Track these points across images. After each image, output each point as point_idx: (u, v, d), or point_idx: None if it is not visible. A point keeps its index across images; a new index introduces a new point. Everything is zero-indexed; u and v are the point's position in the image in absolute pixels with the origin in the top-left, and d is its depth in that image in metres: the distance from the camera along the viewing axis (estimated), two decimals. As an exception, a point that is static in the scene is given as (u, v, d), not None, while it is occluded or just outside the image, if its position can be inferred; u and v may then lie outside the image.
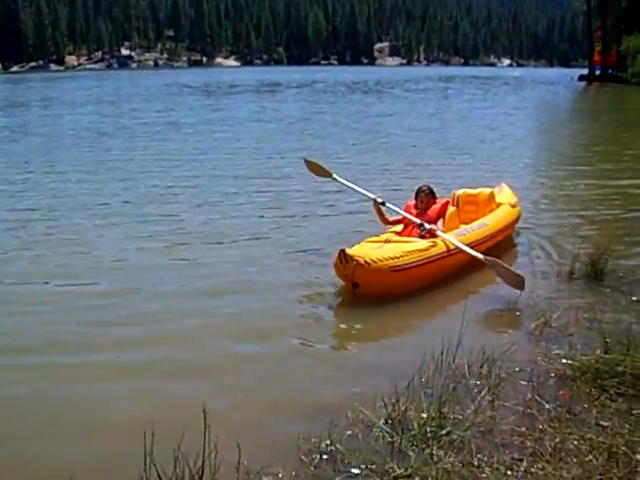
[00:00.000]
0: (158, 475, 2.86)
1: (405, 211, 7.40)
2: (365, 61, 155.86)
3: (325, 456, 3.68)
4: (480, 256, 6.80)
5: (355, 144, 18.04)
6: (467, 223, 7.69)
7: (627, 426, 3.72)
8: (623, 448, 3.47)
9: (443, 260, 6.77)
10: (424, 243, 6.80)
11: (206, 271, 7.12)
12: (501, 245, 7.88)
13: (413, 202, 7.50)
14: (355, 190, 7.89)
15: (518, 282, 6.37)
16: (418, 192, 7.48)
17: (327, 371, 4.90)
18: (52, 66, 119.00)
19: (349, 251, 6.28)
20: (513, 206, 8.46)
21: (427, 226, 7.03)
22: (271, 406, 4.34)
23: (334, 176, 8.20)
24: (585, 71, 66.46)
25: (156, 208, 10.13)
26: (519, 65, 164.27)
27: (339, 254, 6.26)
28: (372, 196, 7.58)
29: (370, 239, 6.95)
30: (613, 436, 3.62)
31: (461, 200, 8.15)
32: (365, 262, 6.20)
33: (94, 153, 16.41)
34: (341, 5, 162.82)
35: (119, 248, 7.95)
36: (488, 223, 7.70)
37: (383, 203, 7.46)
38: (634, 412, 3.89)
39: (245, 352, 5.26)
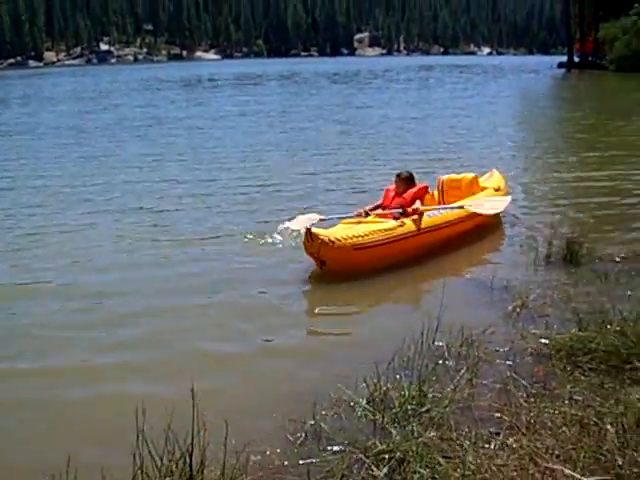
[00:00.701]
0: (149, 452, 2.97)
1: (384, 195, 7.78)
2: (345, 52, 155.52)
3: (310, 435, 3.83)
4: (470, 209, 7.63)
5: (341, 134, 18.07)
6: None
7: (598, 399, 3.88)
8: (594, 419, 3.63)
9: (410, 239, 7.16)
10: (391, 223, 7.16)
11: (194, 266, 7.27)
12: (482, 227, 8.14)
13: (393, 186, 7.77)
14: (343, 217, 7.69)
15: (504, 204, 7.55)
16: (396, 176, 7.82)
17: (309, 354, 5.10)
18: (31, 62, 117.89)
19: (314, 230, 6.68)
20: (497, 190, 8.68)
21: (399, 210, 7.43)
22: (256, 389, 4.50)
23: (322, 217, 7.71)
24: (564, 58, 66.81)
25: (137, 204, 10.17)
26: (499, 53, 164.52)
27: (306, 233, 6.66)
28: (356, 212, 7.60)
29: (346, 221, 7.33)
30: (585, 408, 3.78)
31: (445, 185, 8.49)
32: (329, 240, 6.63)
33: (74, 150, 16.32)
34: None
35: (97, 245, 8.04)
36: (464, 206, 7.92)
37: (367, 214, 7.55)
38: (605, 386, 4.06)
39: (229, 340, 5.41)
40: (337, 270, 6.67)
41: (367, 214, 7.52)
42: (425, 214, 7.50)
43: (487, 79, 49.06)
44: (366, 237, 6.84)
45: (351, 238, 6.77)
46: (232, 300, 6.25)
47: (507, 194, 8.80)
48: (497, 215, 8.40)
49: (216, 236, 8.37)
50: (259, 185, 11.35)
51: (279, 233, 7.67)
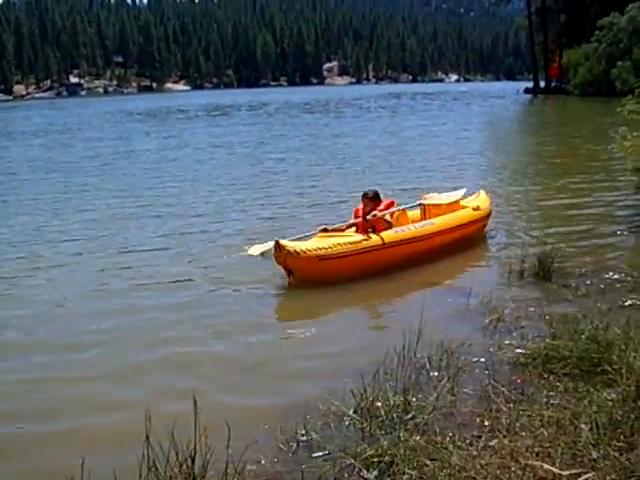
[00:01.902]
0: (155, 457, 3.12)
1: (354, 214, 8.23)
2: (314, 81, 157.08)
3: (301, 444, 4.01)
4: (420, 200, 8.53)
5: (317, 165, 17.94)
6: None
7: (572, 401, 4.11)
8: (569, 419, 3.84)
9: (375, 252, 7.59)
10: (357, 237, 7.63)
11: (179, 287, 7.47)
12: (459, 244, 8.51)
13: (361, 205, 8.19)
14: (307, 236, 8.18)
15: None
16: (363, 196, 8.22)
17: (297, 368, 5.29)
18: (0, 96, 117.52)
19: (282, 242, 7.22)
20: (475, 209, 9.02)
21: (368, 217, 7.93)
22: (247, 403, 4.67)
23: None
24: (530, 84, 68.15)
25: (110, 238, 9.89)
26: (466, 80, 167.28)
27: (275, 244, 7.19)
28: (320, 228, 8.06)
29: (320, 235, 7.82)
30: (560, 410, 4.00)
31: (427, 207, 8.89)
32: (295, 251, 7.15)
33: (45, 186, 15.45)
34: (289, 27, 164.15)
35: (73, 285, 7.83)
36: (435, 222, 8.39)
37: (325, 230, 7.99)
38: (579, 389, 4.29)
39: (218, 360, 5.56)
40: (304, 279, 7.22)
41: (326, 230, 7.95)
42: (393, 229, 7.93)
43: (457, 105, 49.83)
44: (331, 249, 7.34)
45: (316, 250, 7.27)
46: (216, 314, 6.53)
47: (489, 214, 9.30)
48: (467, 234, 8.79)
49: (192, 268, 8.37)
50: (233, 219, 11.30)
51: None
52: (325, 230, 7.96)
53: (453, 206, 8.95)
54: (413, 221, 8.46)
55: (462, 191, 9.47)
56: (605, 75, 48.13)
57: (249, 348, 5.75)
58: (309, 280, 7.20)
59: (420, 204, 8.85)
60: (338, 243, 7.46)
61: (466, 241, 8.71)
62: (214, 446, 3.32)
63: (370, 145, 22.54)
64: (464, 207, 9.03)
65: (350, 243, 7.51)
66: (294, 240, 7.74)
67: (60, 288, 7.54)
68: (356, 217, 8.17)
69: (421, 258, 7.95)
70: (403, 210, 8.45)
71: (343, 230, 8.05)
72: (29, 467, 4.06)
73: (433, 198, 9.02)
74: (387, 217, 8.07)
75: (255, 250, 8.40)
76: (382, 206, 8.14)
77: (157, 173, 17.10)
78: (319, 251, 7.29)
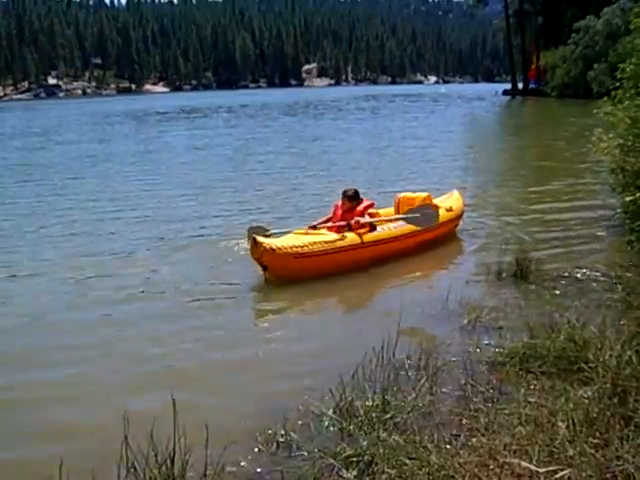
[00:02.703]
0: (134, 459, 3.12)
1: (333, 211, 8.40)
2: (294, 82, 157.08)
3: (281, 445, 4.03)
4: (399, 216, 8.46)
5: (297, 168, 17.75)
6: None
7: (550, 399, 4.14)
8: (547, 417, 3.88)
9: (351, 252, 7.77)
10: (333, 236, 7.79)
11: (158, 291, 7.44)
12: (433, 244, 8.69)
13: (340, 202, 8.33)
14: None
15: (433, 217, 8.19)
16: (343, 194, 8.35)
17: (275, 369, 5.31)
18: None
19: (258, 238, 7.38)
20: (448, 210, 9.14)
21: (352, 222, 8.05)
22: (225, 404, 4.68)
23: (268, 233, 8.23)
24: (509, 86, 68.61)
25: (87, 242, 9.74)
26: (445, 82, 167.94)
27: (252, 240, 7.35)
28: (307, 227, 8.23)
29: (296, 231, 8.01)
30: (538, 408, 4.04)
31: (401, 202, 9.08)
32: (271, 248, 7.31)
33: (23, 190, 15.07)
34: (268, 28, 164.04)
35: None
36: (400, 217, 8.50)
37: (315, 227, 8.19)
38: (556, 387, 4.33)
39: (194, 362, 5.53)
40: (278, 275, 7.40)
41: (315, 227, 8.11)
42: (381, 228, 8.07)
43: (437, 107, 50.03)
44: (307, 247, 7.50)
45: (292, 247, 7.43)
46: (195, 320, 6.49)
47: (461, 214, 9.45)
48: (441, 235, 8.95)
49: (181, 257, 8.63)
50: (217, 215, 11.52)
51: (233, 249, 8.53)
52: (314, 228, 8.09)
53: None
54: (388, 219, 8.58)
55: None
56: (582, 77, 48.55)
57: (227, 349, 5.75)
58: (283, 276, 7.37)
59: (399, 219, 8.64)
60: (314, 241, 7.62)
61: (439, 241, 8.84)
62: (193, 447, 3.32)
63: (351, 147, 22.51)
64: (438, 207, 9.02)
65: (326, 242, 7.67)
66: (271, 237, 7.87)
67: (39, 296, 7.41)
68: (335, 212, 8.34)
69: (396, 258, 8.11)
70: (376, 212, 8.54)
71: (328, 229, 8.15)
72: (6, 465, 4.04)
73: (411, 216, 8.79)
74: (368, 219, 8.17)
75: (236, 247, 8.57)
76: (362, 207, 8.23)
77: (137, 176, 16.87)
78: (294, 248, 7.45)
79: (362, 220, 8.05)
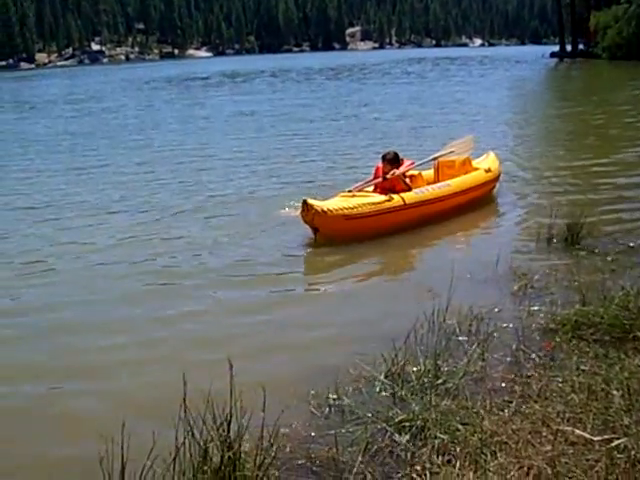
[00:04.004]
0: (192, 420, 3.18)
1: (374, 173, 8.48)
2: (337, 46, 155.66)
3: (333, 408, 4.06)
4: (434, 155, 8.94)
5: (349, 133, 17.51)
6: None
7: (604, 367, 4.11)
8: (601, 385, 3.86)
9: (397, 213, 7.90)
10: (380, 197, 7.90)
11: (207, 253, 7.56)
12: (476, 203, 8.85)
13: (381, 164, 8.40)
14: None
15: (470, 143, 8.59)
16: (382, 158, 8.41)
17: (326, 334, 5.33)
18: (22, 64, 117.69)
19: (310, 201, 7.51)
20: (487, 171, 9.26)
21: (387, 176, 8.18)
22: (279, 369, 4.71)
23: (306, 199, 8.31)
24: (556, 48, 67.03)
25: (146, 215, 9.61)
26: (490, 44, 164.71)
27: (302, 203, 7.48)
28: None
29: (342, 193, 8.16)
30: (591, 376, 4.01)
31: (440, 164, 9.23)
32: (322, 210, 7.45)
33: (74, 157, 15.27)
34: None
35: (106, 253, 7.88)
36: (451, 184, 8.65)
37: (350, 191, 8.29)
38: (610, 355, 4.29)
39: (249, 324, 5.62)
40: (329, 237, 7.53)
41: (356, 189, 8.24)
42: (413, 191, 8.19)
43: (483, 70, 48.83)
44: (356, 209, 7.63)
45: (342, 209, 7.56)
46: (250, 277, 6.69)
47: (499, 176, 9.58)
48: (480, 196, 9.12)
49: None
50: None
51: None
52: (349, 192, 8.20)
53: (466, 167, 9.19)
54: (427, 182, 8.76)
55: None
56: (636, 38, 47.24)
57: (280, 313, 5.82)
58: (334, 238, 7.49)
59: (434, 159, 9.15)
60: (363, 203, 7.75)
61: (478, 203, 8.96)
62: (248, 410, 3.36)
63: (398, 113, 22.00)
64: (476, 169, 9.25)
65: (373, 203, 7.80)
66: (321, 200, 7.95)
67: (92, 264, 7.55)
68: (376, 175, 8.43)
69: (439, 219, 8.26)
70: (419, 173, 8.72)
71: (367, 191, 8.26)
72: (66, 426, 4.18)
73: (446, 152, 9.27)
74: (406, 179, 8.28)
75: (288, 212, 8.64)
76: (403, 167, 8.32)
77: (182, 144, 16.87)
78: (345, 210, 7.58)
79: (396, 172, 8.16)
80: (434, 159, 9.09)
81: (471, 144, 9.43)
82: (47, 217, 9.52)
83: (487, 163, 9.57)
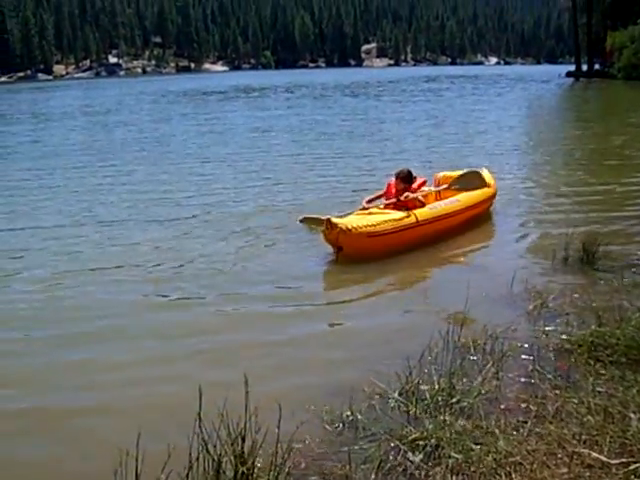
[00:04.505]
0: (207, 434, 3.18)
1: (386, 189, 8.52)
2: (353, 63, 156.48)
3: (347, 425, 4.04)
4: (443, 187, 8.84)
5: (362, 154, 16.84)
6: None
7: (621, 389, 4.07)
8: (618, 408, 3.82)
9: (414, 229, 7.93)
10: (399, 214, 7.91)
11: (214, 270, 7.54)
12: (480, 220, 8.99)
13: (394, 181, 8.43)
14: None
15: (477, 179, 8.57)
16: (396, 176, 8.41)
17: (341, 351, 5.30)
18: (40, 75, 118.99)
19: (333, 219, 7.47)
20: (488, 186, 9.33)
21: (402, 198, 8.20)
22: (293, 385, 4.69)
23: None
24: (572, 67, 67.05)
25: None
26: (506, 63, 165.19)
27: (326, 222, 7.46)
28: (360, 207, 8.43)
29: (357, 212, 8.17)
30: (608, 398, 3.98)
31: (440, 181, 9.37)
32: (347, 228, 7.39)
33: (95, 169, 15.17)
34: (327, 8, 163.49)
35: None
36: (460, 200, 8.72)
37: (365, 208, 8.33)
38: (627, 377, 4.25)
39: (264, 340, 5.60)
40: (352, 255, 7.44)
41: (365, 208, 8.25)
42: (427, 207, 8.28)
43: (499, 89, 48.57)
44: (378, 226, 7.62)
45: (365, 227, 7.53)
46: (265, 293, 6.65)
47: (496, 191, 9.63)
48: (484, 212, 9.32)
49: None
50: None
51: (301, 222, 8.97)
52: (364, 209, 8.22)
53: None
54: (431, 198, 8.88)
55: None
56: (652, 59, 47.14)
57: (295, 330, 5.78)
58: (357, 256, 7.43)
59: (446, 188, 9.00)
60: (384, 220, 7.74)
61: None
62: (263, 426, 3.35)
63: (413, 131, 21.85)
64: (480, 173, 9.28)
65: (394, 220, 7.81)
66: (340, 217, 7.95)
67: (110, 260, 7.71)
68: (388, 191, 8.45)
69: (451, 236, 8.34)
70: (429, 189, 8.85)
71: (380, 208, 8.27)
72: (81, 438, 4.18)
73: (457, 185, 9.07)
74: (420, 197, 8.34)
75: (306, 219, 8.92)
76: (415, 185, 8.36)
77: (199, 159, 16.54)
78: (368, 228, 7.56)
79: (411, 195, 8.19)
80: (446, 188, 8.93)
81: (487, 178, 9.25)
82: (59, 232, 9.34)
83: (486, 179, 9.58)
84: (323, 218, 8.08)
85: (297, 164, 15.08)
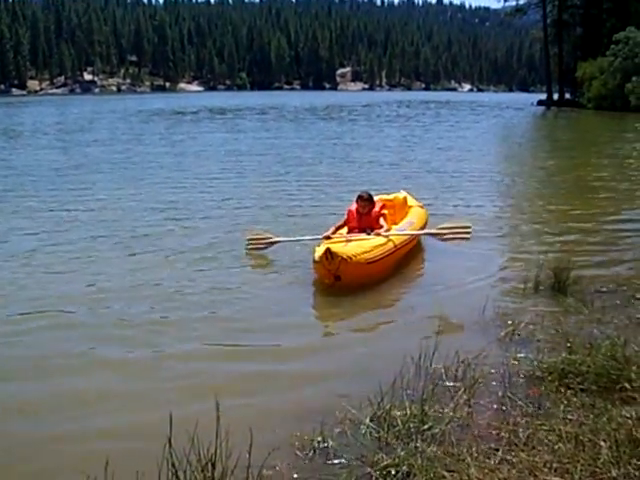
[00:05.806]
0: (176, 460, 3.13)
1: (348, 215, 8.48)
2: (328, 86, 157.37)
3: (318, 451, 4.01)
4: (431, 231, 8.55)
5: (335, 174, 17.07)
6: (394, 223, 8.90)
7: (591, 417, 4.08)
8: (589, 436, 3.83)
9: (396, 253, 8.01)
10: (381, 239, 7.88)
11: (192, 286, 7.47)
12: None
13: (354, 206, 8.43)
14: (303, 240, 8.64)
15: (467, 231, 8.10)
16: (358, 198, 8.41)
17: (312, 376, 5.26)
18: (14, 91, 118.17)
19: (333, 248, 7.22)
20: (421, 207, 9.61)
21: (372, 233, 8.08)
22: (264, 410, 4.64)
23: (276, 239, 8.70)
24: (543, 96, 68.17)
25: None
26: (479, 90, 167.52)
27: (325, 252, 7.15)
28: (320, 236, 8.22)
29: (332, 240, 7.92)
30: (579, 426, 3.98)
31: (382, 204, 9.03)
32: (348, 257, 7.20)
33: (63, 192, 14.44)
34: (303, 31, 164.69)
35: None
36: (414, 221, 8.87)
37: (328, 237, 8.13)
38: (597, 405, 4.27)
39: (235, 366, 5.54)
40: (350, 284, 7.25)
41: (329, 237, 8.07)
42: (394, 229, 8.38)
43: (472, 116, 48.93)
44: (372, 252, 7.54)
45: (363, 254, 7.40)
46: (235, 320, 6.54)
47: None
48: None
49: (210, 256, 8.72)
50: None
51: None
52: (328, 238, 8.04)
53: (405, 206, 9.52)
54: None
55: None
56: (619, 89, 48.19)
57: (266, 357, 5.71)
58: (354, 284, 7.26)
59: (427, 234, 8.82)
60: (374, 245, 7.68)
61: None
62: (234, 451, 3.31)
63: (384, 157, 21.41)
64: (411, 206, 9.51)
65: (381, 245, 7.78)
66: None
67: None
68: (350, 218, 8.42)
69: (426, 262, 8.63)
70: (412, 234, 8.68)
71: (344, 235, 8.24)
72: (50, 465, 4.08)
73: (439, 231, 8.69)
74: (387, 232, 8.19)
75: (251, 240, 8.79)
76: (377, 208, 8.41)
77: (173, 183, 15.80)
78: (365, 255, 7.44)
79: (383, 233, 8.05)
80: (427, 234, 8.72)
81: (468, 230, 8.34)
82: (43, 259, 8.80)
83: (413, 200, 9.78)
84: (274, 239, 8.45)
85: (267, 187, 14.80)
